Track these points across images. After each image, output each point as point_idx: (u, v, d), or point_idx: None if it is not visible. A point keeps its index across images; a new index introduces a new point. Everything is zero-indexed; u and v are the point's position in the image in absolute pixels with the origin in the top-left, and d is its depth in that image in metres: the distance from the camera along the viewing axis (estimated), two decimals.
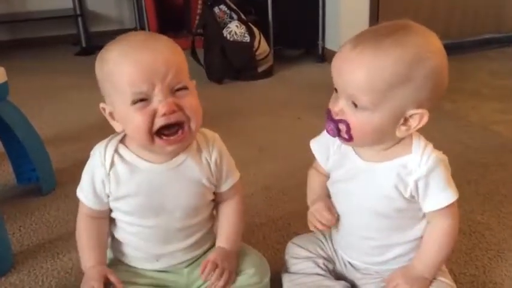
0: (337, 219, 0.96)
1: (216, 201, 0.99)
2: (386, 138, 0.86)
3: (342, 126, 0.84)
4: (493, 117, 2.08)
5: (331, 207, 0.96)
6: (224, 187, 0.97)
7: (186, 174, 0.91)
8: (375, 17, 2.86)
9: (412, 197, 0.88)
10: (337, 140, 0.92)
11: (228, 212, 0.99)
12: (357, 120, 0.82)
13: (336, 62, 0.84)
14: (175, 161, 0.90)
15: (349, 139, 0.85)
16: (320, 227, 0.94)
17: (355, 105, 0.81)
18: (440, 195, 0.86)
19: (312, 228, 0.96)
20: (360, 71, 0.79)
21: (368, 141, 0.87)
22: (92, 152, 0.91)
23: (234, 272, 0.94)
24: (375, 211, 0.90)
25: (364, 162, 0.90)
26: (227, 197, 0.99)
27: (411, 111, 0.81)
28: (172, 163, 0.90)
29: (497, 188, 1.48)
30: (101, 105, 0.88)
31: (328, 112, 0.86)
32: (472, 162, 1.64)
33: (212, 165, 0.93)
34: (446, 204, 0.87)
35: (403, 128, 0.83)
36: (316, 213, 0.95)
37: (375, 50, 0.79)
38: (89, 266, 0.92)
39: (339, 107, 0.84)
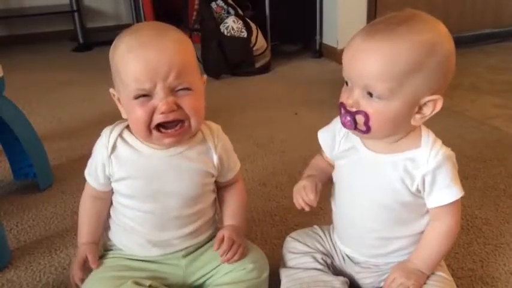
0: (335, 209, 0.96)
1: (219, 188, 1.02)
2: (401, 127, 0.86)
3: (360, 118, 0.83)
4: (491, 112, 2.08)
5: (317, 188, 0.95)
6: (228, 177, 1.01)
7: (188, 162, 0.93)
8: (372, 11, 2.85)
9: (418, 191, 0.88)
10: (344, 130, 0.92)
11: (232, 193, 1.03)
12: (374, 110, 0.82)
13: (348, 53, 0.83)
14: (177, 148, 0.92)
15: (367, 130, 0.84)
16: (303, 204, 0.95)
17: (371, 95, 0.81)
18: (445, 191, 0.86)
19: (296, 204, 0.96)
20: (376, 59, 0.79)
21: (385, 132, 0.86)
22: (101, 134, 0.95)
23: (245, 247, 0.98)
24: (379, 203, 0.90)
25: (372, 153, 0.90)
26: (231, 183, 1.03)
27: (426, 98, 0.82)
28: (174, 150, 0.92)
29: (495, 182, 1.48)
30: (111, 90, 0.92)
31: (342, 105, 0.86)
32: (470, 156, 1.64)
33: (216, 157, 0.95)
34: (450, 200, 0.87)
35: (418, 116, 0.84)
36: (301, 190, 0.95)
37: (390, 38, 0.79)
38: (81, 242, 0.99)
39: (354, 98, 0.83)
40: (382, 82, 0.79)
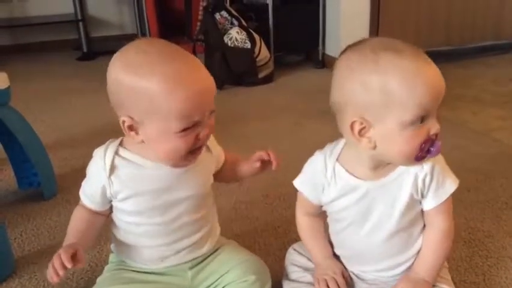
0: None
1: (217, 175, 1.03)
2: None
3: (438, 142, 0.83)
4: (493, 123, 2.09)
5: (344, 271, 0.98)
6: (219, 164, 1.03)
7: (194, 165, 0.92)
8: (375, 23, 2.87)
9: (422, 195, 0.89)
10: (329, 172, 0.92)
11: (231, 162, 1.05)
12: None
13: (435, 84, 0.80)
14: None
15: (438, 152, 0.84)
16: None
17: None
18: (443, 186, 0.88)
19: None
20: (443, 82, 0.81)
21: None
22: (93, 155, 0.92)
23: None
24: (391, 225, 0.90)
25: (373, 182, 0.89)
26: (223, 167, 1.04)
27: None
28: None
29: (497, 195, 1.48)
30: (122, 118, 0.84)
31: (428, 141, 0.81)
32: (472, 169, 1.64)
33: (216, 153, 0.99)
34: (451, 191, 0.89)
35: None
36: (330, 282, 0.95)
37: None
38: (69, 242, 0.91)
39: (438, 126, 0.82)
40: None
